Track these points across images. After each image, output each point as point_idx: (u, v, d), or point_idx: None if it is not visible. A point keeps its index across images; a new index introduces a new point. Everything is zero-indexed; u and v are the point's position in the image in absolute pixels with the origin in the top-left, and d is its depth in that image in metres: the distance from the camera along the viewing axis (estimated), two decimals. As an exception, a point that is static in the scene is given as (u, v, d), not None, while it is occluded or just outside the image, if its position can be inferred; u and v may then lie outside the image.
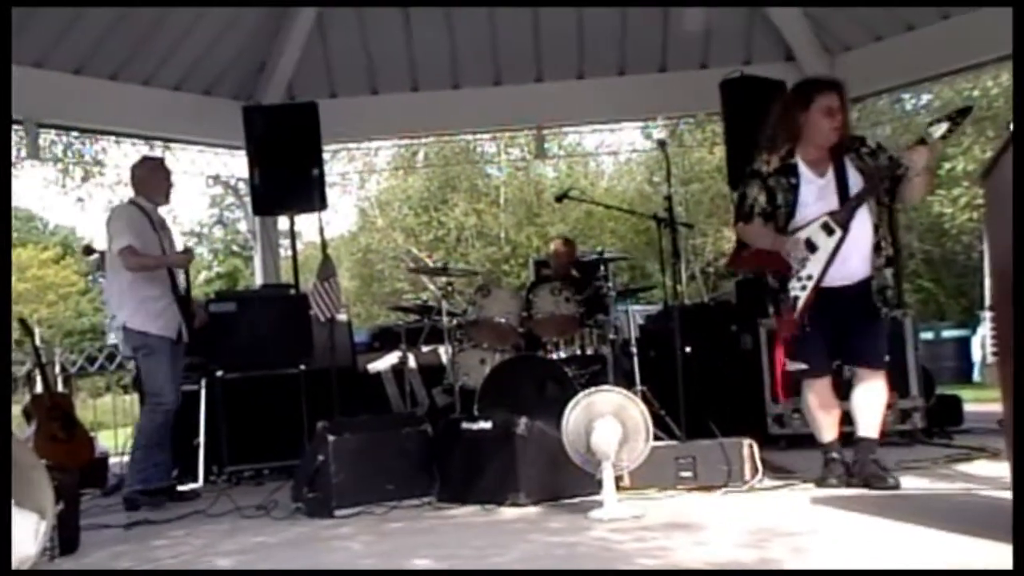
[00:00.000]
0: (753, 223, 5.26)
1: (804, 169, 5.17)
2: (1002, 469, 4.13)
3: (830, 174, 5.13)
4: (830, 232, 5.03)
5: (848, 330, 5.14)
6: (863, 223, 5.08)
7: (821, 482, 5.18)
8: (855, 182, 5.08)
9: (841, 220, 5.01)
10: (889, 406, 5.58)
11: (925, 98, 15.34)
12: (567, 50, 10.52)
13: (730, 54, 10.07)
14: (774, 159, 5.21)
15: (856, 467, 5.13)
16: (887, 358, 5.28)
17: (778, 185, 5.18)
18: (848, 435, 5.27)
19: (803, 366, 5.18)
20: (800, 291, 5.08)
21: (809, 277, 5.05)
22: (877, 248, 5.14)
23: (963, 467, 5.58)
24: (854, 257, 5.06)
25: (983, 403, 9.01)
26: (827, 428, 5.25)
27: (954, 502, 4.56)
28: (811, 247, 5.06)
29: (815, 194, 5.12)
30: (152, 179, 6.78)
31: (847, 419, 5.32)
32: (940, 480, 5.19)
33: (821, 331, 5.12)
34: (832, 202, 5.07)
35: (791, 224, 5.15)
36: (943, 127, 4.86)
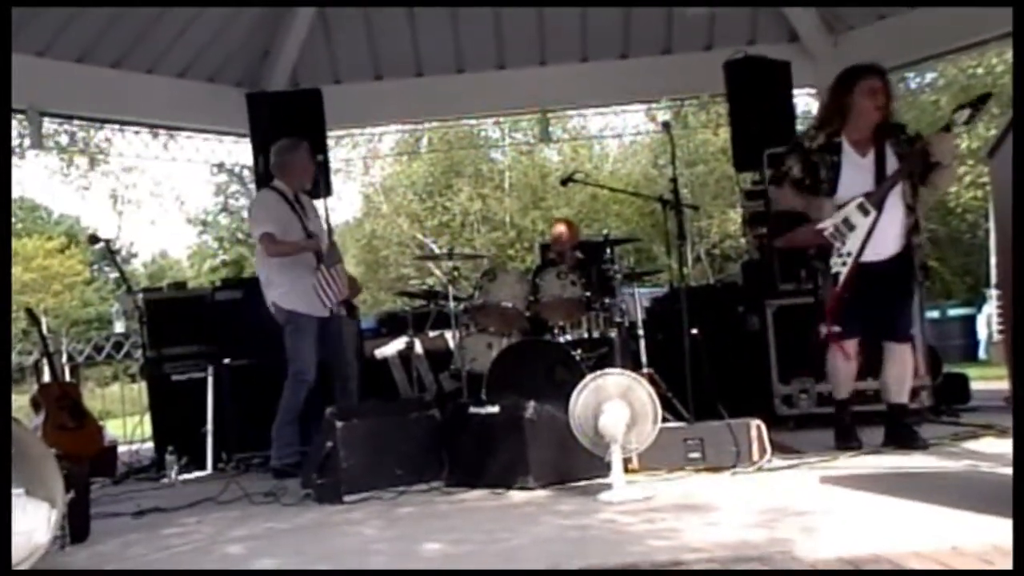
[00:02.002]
0: (783, 188, 5.79)
1: (848, 148, 5.62)
2: (1009, 446, 4.13)
3: (871, 156, 5.59)
4: (866, 213, 5.49)
5: (880, 304, 5.66)
6: (895, 204, 5.56)
7: (842, 446, 5.66)
8: (893, 166, 5.53)
9: (875, 202, 5.48)
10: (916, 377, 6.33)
11: (929, 76, 15.28)
12: (570, 33, 10.49)
13: (734, 35, 10.04)
14: (820, 136, 5.67)
15: (888, 430, 5.74)
16: (913, 330, 5.95)
17: (822, 161, 5.65)
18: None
19: (836, 329, 5.68)
20: (841, 267, 5.55)
21: (848, 254, 5.53)
22: (916, 227, 5.66)
23: (970, 445, 5.61)
24: (887, 235, 5.54)
25: (989, 381, 9.03)
26: (846, 384, 5.87)
27: (962, 480, 4.56)
28: (849, 226, 5.53)
29: (855, 173, 5.58)
30: (288, 166, 6.94)
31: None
32: (948, 458, 5.20)
33: (861, 302, 5.60)
34: (870, 182, 5.53)
35: (832, 200, 5.59)
36: (966, 113, 5.30)
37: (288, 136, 7.17)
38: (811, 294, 6.05)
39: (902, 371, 5.78)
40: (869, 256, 5.53)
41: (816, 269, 5.78)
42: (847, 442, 5.71)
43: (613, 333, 7.36)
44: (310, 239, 6.79)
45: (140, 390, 9.95)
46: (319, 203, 7.07)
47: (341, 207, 31.69)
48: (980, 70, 18.99)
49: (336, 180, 10.96)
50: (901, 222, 5.58)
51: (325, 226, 6.84)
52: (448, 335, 8.22)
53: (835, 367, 5.83)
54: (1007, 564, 2.91)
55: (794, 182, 5.71)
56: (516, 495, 5.04)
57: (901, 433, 5.66)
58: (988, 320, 16.49)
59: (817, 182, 5.64)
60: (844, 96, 5.61)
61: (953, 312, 17.56)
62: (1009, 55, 16.96)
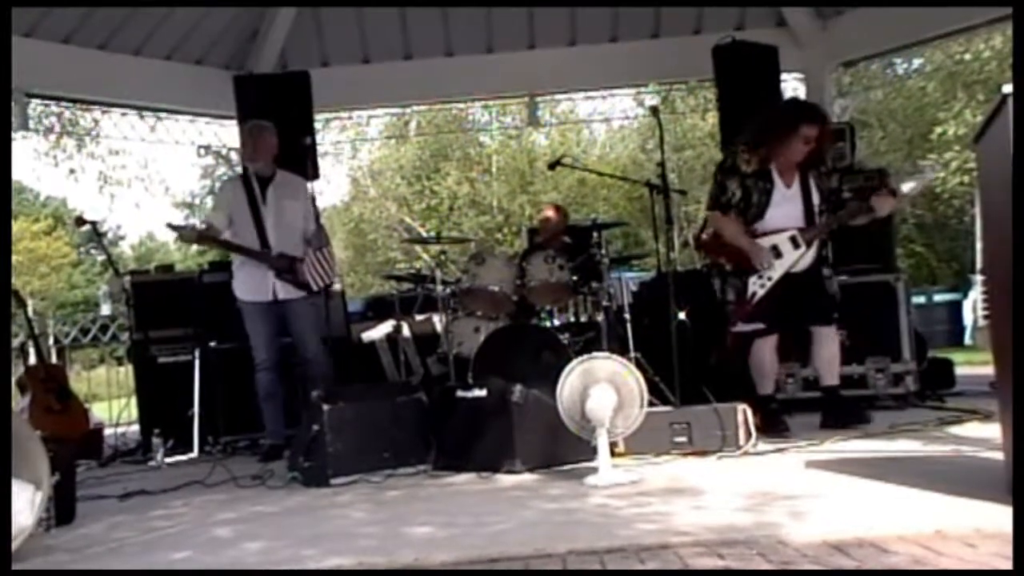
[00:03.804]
0: (729, 215, 6.03)
1: (777, 178, 5.99)
2: (993, 431, 4.16)
3: (796, 185, 6.01)
4: (796, 246, 5.92)
5: (800, 296, 5.99)
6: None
7: (777, 432, 5.80)
8: (816, 195, 6.00)
9: (808, 239, 5.92)
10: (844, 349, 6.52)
11: (916, 62, 15.33)
12: (559, 17, 10.47)
13: (722, 20, 10.02)
14: (753, 160, 5.98)
15: (829, 410, 6.12)
16: (835, 315, 6.19)
17: (755, 187, 5.98)
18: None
19: (760, 326, 6.05)
20: (759, 288, 5.93)
21: (770, 279, 5.92)
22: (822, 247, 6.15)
23: (955, 429, 5.66)
24: (806, 257, 5.97)
25: (975, 366, 9.08)
26: (771, 381, 6.25)
27: (946, 464, 4.58)
28: (777, 253, 5.92)
29: (783, 201, 5.97)
30: (243, 145, 7.03)
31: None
32: (932, 442, 5.24)
33: (777, 302, 5.96)
34: (796, 209, 5.98)
35: (759, 223, 5.97)
36: (912, 184, 5.98)
37: (274, 118, 7.15)
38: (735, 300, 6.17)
39: (831, 353, 6.16)
40: (790, 272, 5.96)
41: (729, 283, 6.08)
42: (777, 430, 5.86)
43: (600, 317, 7.34)
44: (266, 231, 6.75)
45: (126, 373, 9.93)
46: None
47: (329, 190, 31.64)
48: (967, 56, 18.97)
49: (324, 163, 10.97)
50: (817, 244, 6.03)
51: (311, 207, 6.85)
52: (435, 319, 8.20)
53: (761, 362, 6.17)
54: (990, 547, 2.93)
55: (736, 207, 5.98)
56: (503, 478, 5.06)
57: (840, 413, 6.06)
58: (974, 305, 16.56)
59: (748, 206, 5.96)
60: (784, 131, 5.89)
61: (939, 297, 17.63)
62: (996, 41, 17.03)
